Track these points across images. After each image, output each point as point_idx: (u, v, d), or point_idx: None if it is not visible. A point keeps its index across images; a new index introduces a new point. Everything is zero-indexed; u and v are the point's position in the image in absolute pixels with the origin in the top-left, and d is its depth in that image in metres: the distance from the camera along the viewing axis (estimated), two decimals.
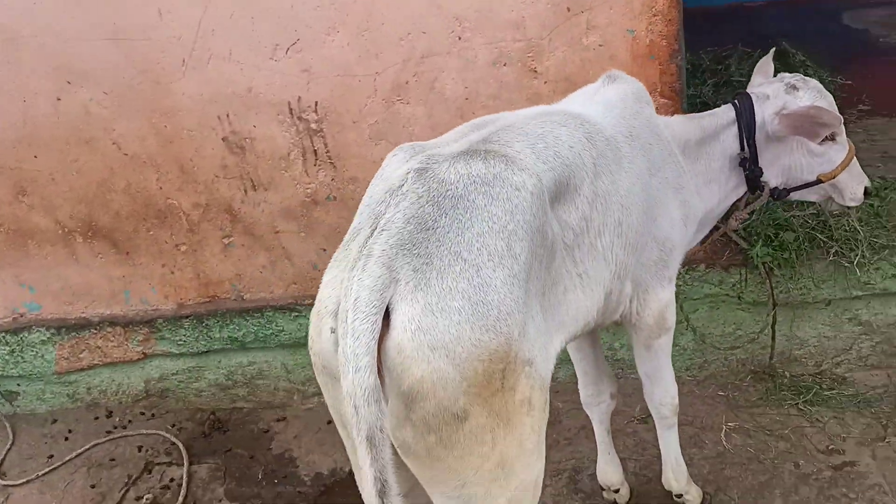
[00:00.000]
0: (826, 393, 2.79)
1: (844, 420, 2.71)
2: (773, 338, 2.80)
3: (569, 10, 2.45)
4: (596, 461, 2.52)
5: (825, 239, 2.65)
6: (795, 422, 2.73)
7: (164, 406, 3.34)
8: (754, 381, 2.92)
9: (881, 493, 2.41)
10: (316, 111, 2.71)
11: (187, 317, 3.12)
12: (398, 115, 2.69)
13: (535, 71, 2.55)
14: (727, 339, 2.88)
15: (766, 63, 2.25)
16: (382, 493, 1.26)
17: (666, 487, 2.47)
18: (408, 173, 1.40)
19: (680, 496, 2.44)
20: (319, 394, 3.15)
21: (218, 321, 3.11)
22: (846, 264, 2.65)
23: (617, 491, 2.51)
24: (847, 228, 2.66)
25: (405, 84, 2.64)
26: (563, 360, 2.73)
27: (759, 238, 2.69)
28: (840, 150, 2.12)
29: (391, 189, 1.39)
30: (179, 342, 3.16)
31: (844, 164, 2.12)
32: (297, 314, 3.05)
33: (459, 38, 2.54)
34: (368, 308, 1.23)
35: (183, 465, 3.02)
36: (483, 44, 2.54)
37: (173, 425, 3.26)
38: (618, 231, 1.70)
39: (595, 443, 2.50)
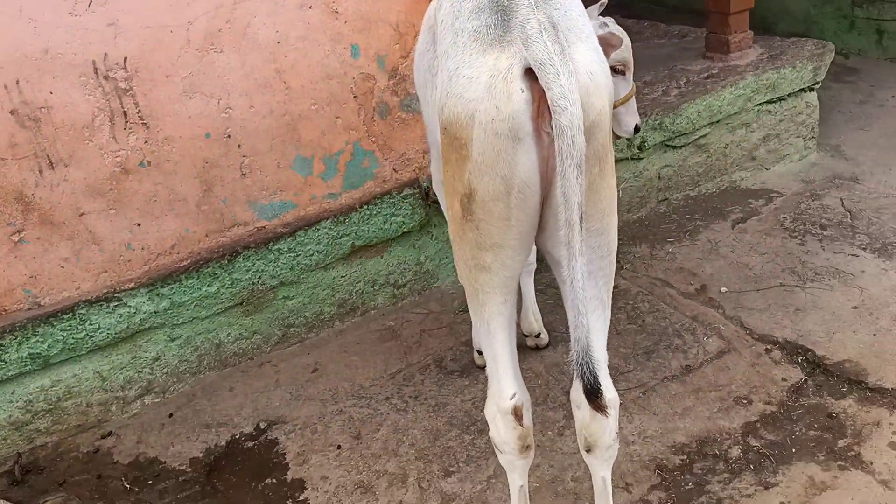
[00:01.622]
0: None
1: None
2: None
3: None
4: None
5: None
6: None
7: None
8: None
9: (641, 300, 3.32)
10: (125, 68, 2.58)
11: None
12: (212, 66, 2.72)
13: (337, 12, 2.86)
14: None
15: (593, 10, 2.89)
16: (581, 219, 1.56)
17: (527, 331, 3.01)
18: None
19: (538, 335, 3.00)
20: (143, 395, 2.96)
21: (15, 338, 2.64)
22: None
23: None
24: None
25: (218, 32, 2.69)
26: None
27: None
28: (626, 86, 2.88)
29: None
30: None
31: (625, 99, 2.90)
32: (116, 303, 2.77)
33: None
34: (567, 55, 1.54)
35: None
36: None
37: None
38: None
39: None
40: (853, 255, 3.34)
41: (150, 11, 2.56)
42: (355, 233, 3.14)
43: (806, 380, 2.72)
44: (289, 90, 2.87)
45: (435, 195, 3.24)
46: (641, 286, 3.36)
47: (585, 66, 1.60)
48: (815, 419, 2.54)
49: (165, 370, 2.96)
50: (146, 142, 2.69)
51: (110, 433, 2.87)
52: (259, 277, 3.01)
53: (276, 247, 3.00)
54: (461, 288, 3.45)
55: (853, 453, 2.38)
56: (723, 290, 3.26)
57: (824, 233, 3.54)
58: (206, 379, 3.07)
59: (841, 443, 2.43)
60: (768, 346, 2.90)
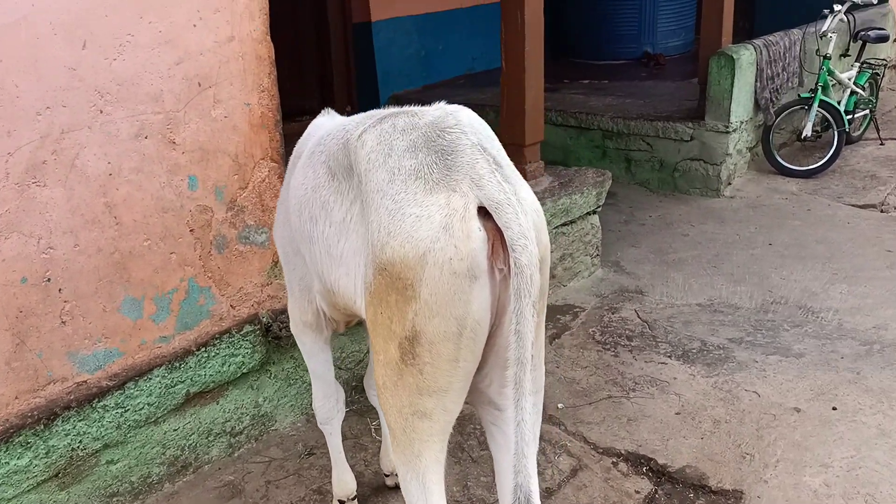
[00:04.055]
0: None
1: None
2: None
3: (199, 84, 2.67)
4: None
5: None
6: None
7: None
8: (358, 392, 3.49)
9: None
10: None
11: None
12: (34, 201, 2.36)
13: (174, 142, 2.65)
14: (342, 363, 3.39)
15: None
16: (532, 357, 1.55)
17: (388, 470, 2.87)
18: (447, 116, 1.69)
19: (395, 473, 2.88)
20: None
21: None
22: None
23: (354, 499, 2.76)
24: None
25: (42, 164, 2.36)
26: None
27: None
28: None
29: (441, 127, 1.65)
30: None
31: None
32: None
33: (101, 112, 2.45)
34: (518, 194, 1.55)
35: None
36: (125, 117, 2.51)
37: None
38: None
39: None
40: (662, 363, 3.67)
41: None
42: (191, 379, 2.83)
43: (656, 490, 2.88)
44: (120, 226, 2.58)
45: (279, 330, 3.05)
46: None
47: (532, 205, 1.66)
48: None
49: None
50: None
51: None
52: (80, 441, 2.57)
53: (101, 403, 2.60)
54: (302, 429, 3.25)
55: None
56: (559, 406, 3.39)
57: (632, 343, 3.86)
58: None
59: None
60: (614, 460, 3.05)
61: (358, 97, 7.26)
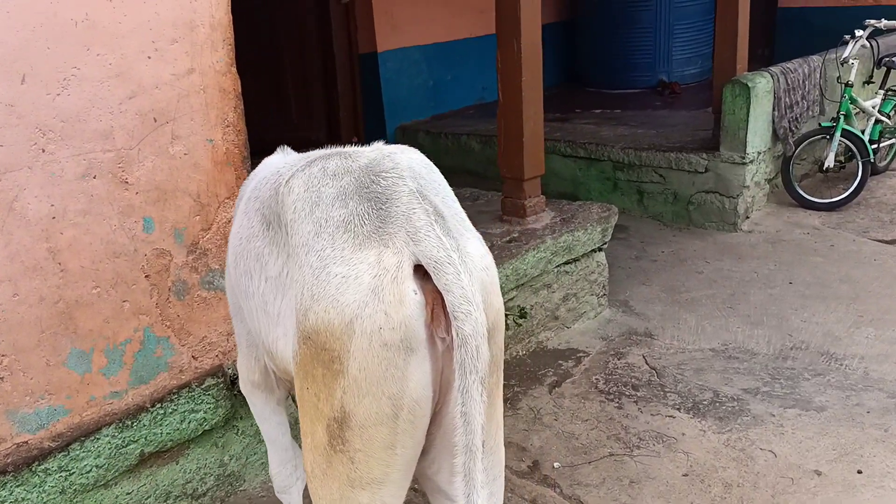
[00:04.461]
0: None
1: None
2: None
3: (155, 120, 2.48)
4: None
5: None
6: None
7: None
8: None
9: None
10: None
11: None
12: None
13: (127, 182, 2.45)
14: None
15: None
16: (483, 444, 1.31)
17: None
18: (384, 158, 1.46)
19: None
20: None
21: None
22: None
23: None
24: None
25: None
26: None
27: None
28: None
29: (376, 171, 1.43)
30: None
31: None
32: None
33: (43, 151, 2.26)
34: (462, 251, 1.33)
35: None
36: (70, 156, 2.32)
37: None
38: None
39: None
40: (670, 416, 3.38)
41: None
42: (145, 438, 2.60)
43: None
44: (65, 273, 2.38)
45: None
46: None
47: (480, 262, 1.43)
48: None
49: None
50: None
51: None
52: None
53: (41, 467, 2.38)
54: (273, 489, 2.99)
55: None
56: (556, 465, 3.11)
57: (637, 394, 3.58)
58: None
59: None
60: None
61: (365, 128, 7.09)
